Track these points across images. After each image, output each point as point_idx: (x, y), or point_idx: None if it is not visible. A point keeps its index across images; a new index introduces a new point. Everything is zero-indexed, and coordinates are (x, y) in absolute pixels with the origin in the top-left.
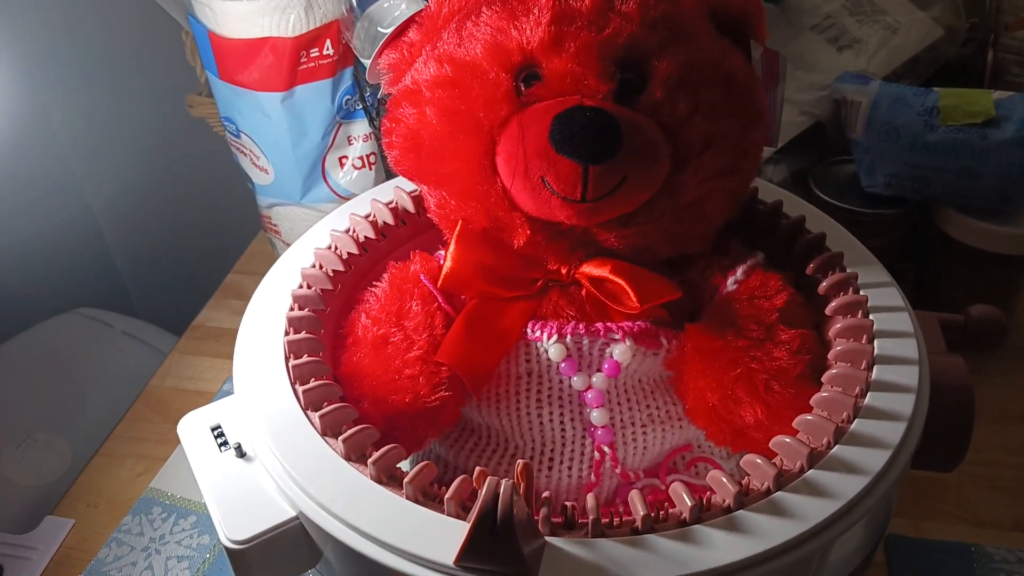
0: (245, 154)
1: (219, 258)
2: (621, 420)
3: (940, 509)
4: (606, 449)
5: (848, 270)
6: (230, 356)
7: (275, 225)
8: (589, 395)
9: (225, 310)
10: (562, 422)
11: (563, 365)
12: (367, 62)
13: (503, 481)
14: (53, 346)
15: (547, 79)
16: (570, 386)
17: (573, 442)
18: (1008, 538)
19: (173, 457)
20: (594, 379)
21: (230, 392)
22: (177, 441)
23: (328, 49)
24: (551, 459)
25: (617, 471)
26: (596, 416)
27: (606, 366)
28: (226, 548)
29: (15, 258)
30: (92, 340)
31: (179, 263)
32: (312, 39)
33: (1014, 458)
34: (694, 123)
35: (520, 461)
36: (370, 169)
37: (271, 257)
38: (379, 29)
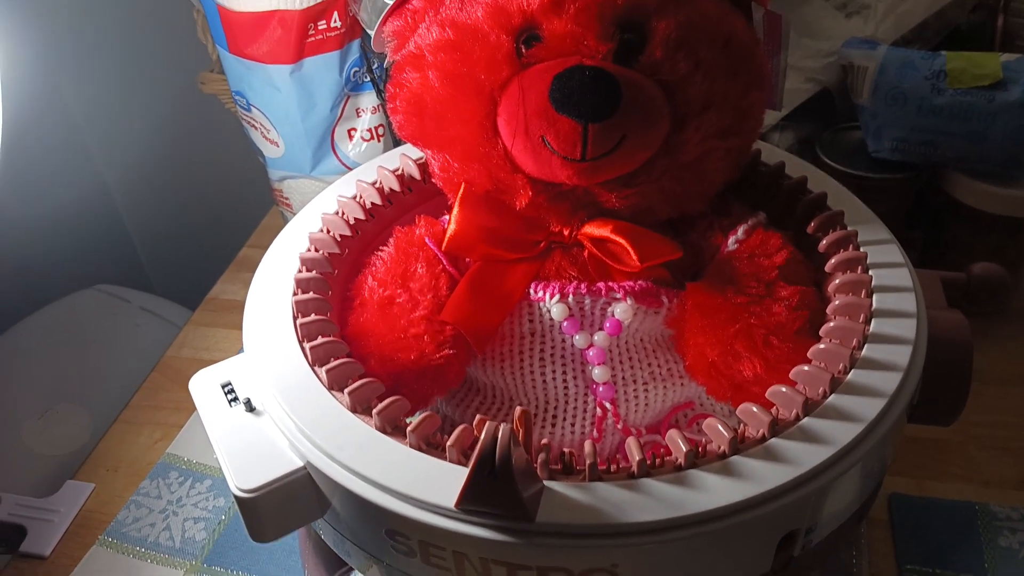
0: (256, 128)
1: (232, 233)
2: (623, 377)
3: (945, 470)
4: (608, 405)
5: (848, 228)
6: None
7: (286, 198)
8: (591, 353)
9: (239, 283)
10: (564, 380)
11: (565, 324)
12: (374, 33)
13: (502, 426)
14: (73, 321)
15: (547, 40)
16: (572, 345)
17: (576, 399)
18: (1013, 497)
19: (189, 424)
20: (596, 337)
21: None
22: (193, 409)
23: (335, 21)
24: (554, 416)
25: (619, 427)
26: (598, 373)
27: (608, 325)
28: (236, 497)
29: (36, 235)
30: (110, 315)
31: (193, 239)
32: (320, 11)
33: (1019, 419)
34: (694, 82)
35: (518, 408)
36: (379, 141)
37: None
38: (384, 0)
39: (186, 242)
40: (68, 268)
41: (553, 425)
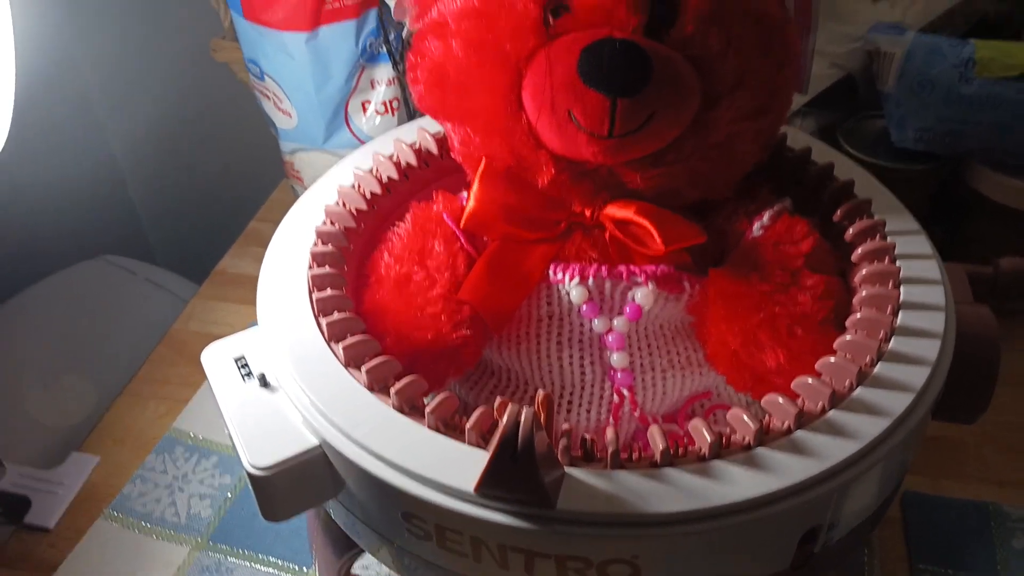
0: (268, 97)
1: (241, 207)
2: (641, 364)
3: (960, 470)
4: (625, 392)
5: (876, 217)
6: (252, 302)
7: (297, 171)
8: (610, 338)
9: (248, 257)
10: (582, 365)
11: (584, 308)
12: (391, 2)
13: (524, 409)
14: (78, 291)
15: (576, 11)
16: (591, 329)
17: (592, 385)
18: None
19: (196, 399)
20: (615, 322)
21: None
22: (199, 383)
23: None
24: (570, 401)
25: (636, 414)
26: (616, 359)
27: (628, 310)
28: (249, 475)
29: (43, 203)
30: (116, 286)
31: (201, 212)
32: None
33: None
34: (726, 59)
35: (541, 392)
36: (393, 115)
37: None
38: None
39: (192, 214)
40: (74, 238)
41: (568, 411)
